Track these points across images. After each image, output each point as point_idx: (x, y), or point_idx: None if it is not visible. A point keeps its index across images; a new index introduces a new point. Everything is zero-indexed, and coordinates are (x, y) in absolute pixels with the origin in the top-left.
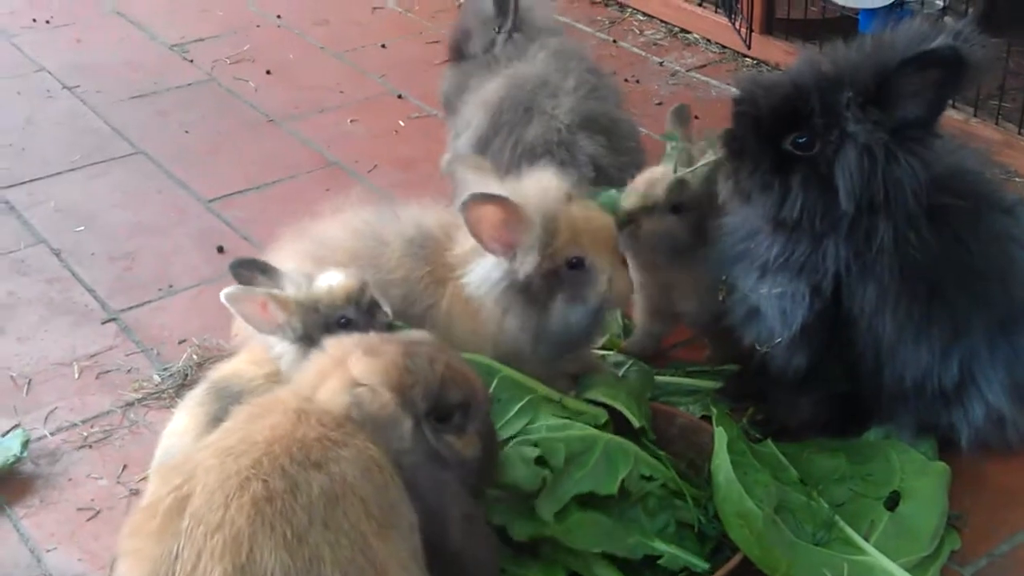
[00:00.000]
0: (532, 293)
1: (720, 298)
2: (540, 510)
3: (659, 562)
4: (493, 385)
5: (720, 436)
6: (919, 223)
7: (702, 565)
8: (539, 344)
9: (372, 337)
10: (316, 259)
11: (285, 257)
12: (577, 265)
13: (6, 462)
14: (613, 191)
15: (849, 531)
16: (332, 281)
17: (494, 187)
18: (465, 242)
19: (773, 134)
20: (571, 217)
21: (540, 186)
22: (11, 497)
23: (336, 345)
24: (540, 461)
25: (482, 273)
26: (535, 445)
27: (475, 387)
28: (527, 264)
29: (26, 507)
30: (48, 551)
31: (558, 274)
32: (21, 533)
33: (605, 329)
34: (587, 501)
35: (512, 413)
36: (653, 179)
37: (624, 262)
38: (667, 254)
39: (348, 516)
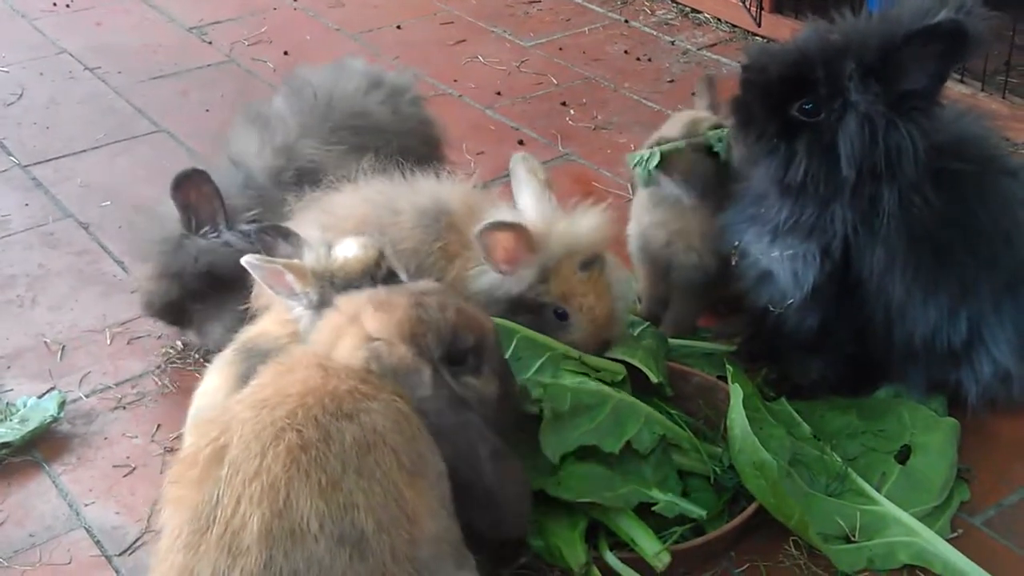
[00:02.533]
0: (520, 305)
1: (732, 262)
2: (545, 446)
3: (654, 508)
4: (512, 345)
5: (736, 392)
6: (924, 187)
7: (699, 512)
8: None
9: (381, 291)
10: (325, 227)
11: (297, 225)
12: (562, 317)
13: (43, 422)
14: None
15: (861, 482)
16: (348, 252)
17: (536, 197)
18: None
19: (780, 100)
20: (569, 276)
21: (570, 233)
22: (49, 455)
23: (348, 303)
24: (537, 402)
25: (485, 276)
26: (544, 389)
27: (485, 328)
28: (516, 288)
29: (64, 464)
30: (86, 505)
31: (543, 307)
32: (60, 488)
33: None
34: (590, 454)
35: (533, 371)
36: (697, 119)
37: (604, 335)
38: (698, 189)
39: (380, 464)
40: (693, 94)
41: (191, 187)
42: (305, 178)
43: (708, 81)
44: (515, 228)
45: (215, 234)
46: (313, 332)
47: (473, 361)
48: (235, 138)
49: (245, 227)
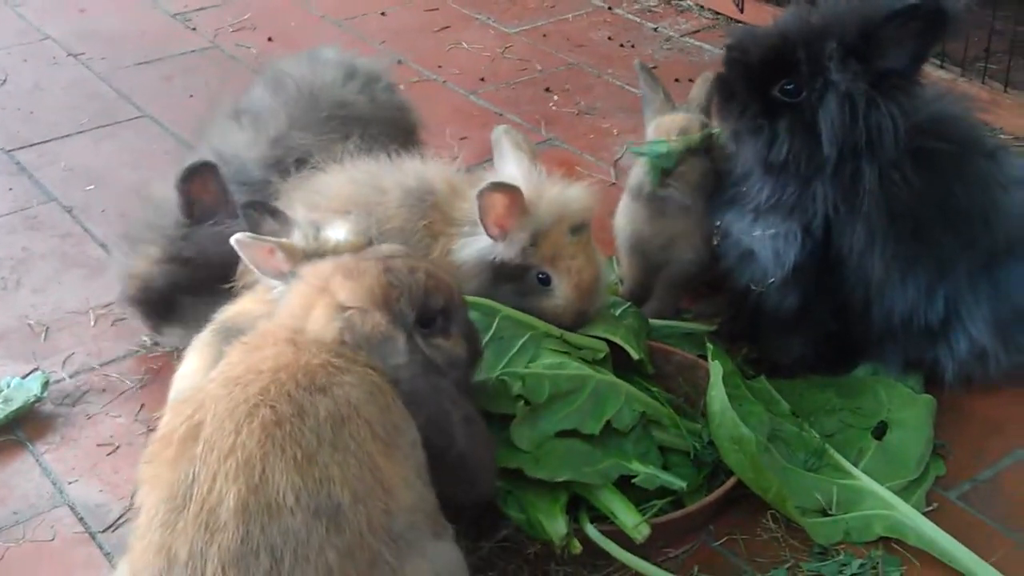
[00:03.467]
0: (502, 272)
1: (715, 243)
2: (515, 438)
3: (634, 481)
4: (494, 324)
5: (716, 369)
6: (904, 166)
7: (679, 483)
8: None
9: (347, 259)
10: (311, 206)
11: (284, 204)
12: (544, 281)
13: (26, 402)
14: (648, 146)
15: (839, 458)
16: (339, 236)
17: (524, 167)
18: (466, 204)
19: (762, 80)
20: (558, 240)
21: (559, 199)
22: (33, 435)
23: (313, 273)
24: (519, 398)
25: (474, 244)
26: (522, 380)
27: (452, 288)
28: (507, 252)
29: (47, 443)
30: (70, 483)
31: (528, 272)
32: (43, 467)
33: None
34: (570, 432)
35: (515, 350)
36: (685, 125)
37: (583, 303)
38: (703, 194)
39: (354, 437)
40: (676, 80)
41: (198, 180)
42: (303, 167)
43: (707, 80)
44: (512, 190)
45: (221, 224)
46: (280, 304)
47: (442, 322)
48: (219, 133)
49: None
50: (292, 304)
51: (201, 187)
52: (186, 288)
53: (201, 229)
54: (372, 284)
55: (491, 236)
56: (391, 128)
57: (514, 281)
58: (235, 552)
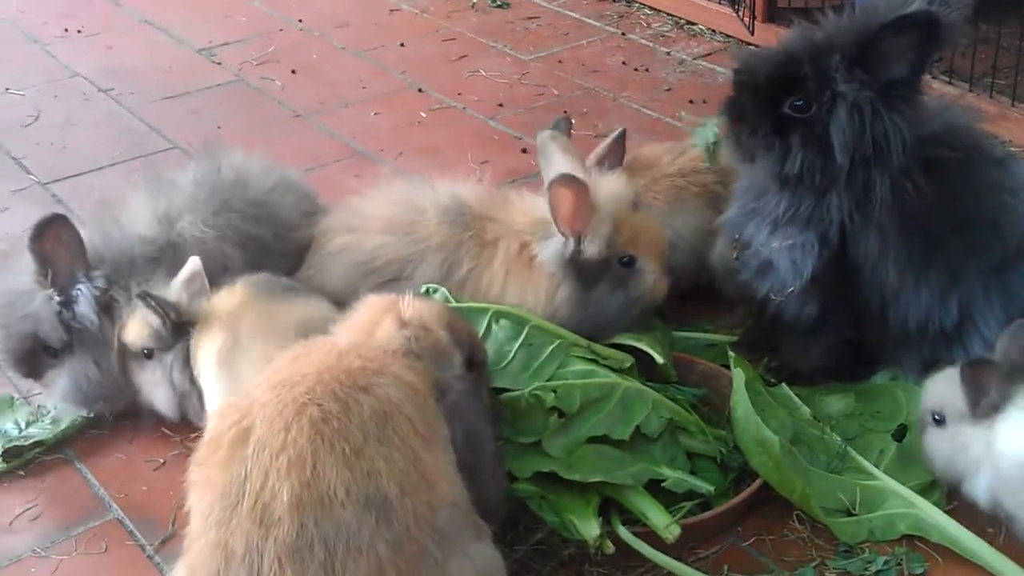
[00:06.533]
0: (585, 272)
1: (734, 256)
2: (548, 448)
3: (663, 484)
4: (524, 333)
5: (738, 376)
6: (915, 174)
7: (707, 487)
8: (579, 318)
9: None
10: (350, 228)
11: (325, 230)
12: (628, 263)
13: (73, 421)
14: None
15: (861, 460)
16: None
17: (575, 168)
18: (521, 212)
19: (771, 99)
20: (632, 221)
21: (613, 186)
22: (80, 452)
23: (373, 301)
24: (553, 410)
25: (552, 247)
26: (554, 393)
27: (486, 354)
28: (591, 250)
29: (95, 460)
30: (119, 497)
31: (610, 264)
32: (91, 484)
33: (637, 322)
34: (600, 438)
35: (543, 357)
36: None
37: (665, 270)
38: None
39: (398, 432)
40: (691, 101)
41: (51, 236)
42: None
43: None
44: (580, 185)
45: (70, 289)
46: (344, 322)
47: (476, 375)
48: (127, 196)
49: (100, 283)
50: (356, 320)
51: (55, 241)
52: (45, 351)
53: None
54: (440, 310)
55: (564, 234)
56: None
57: (599, 281)
58: (291, 545)
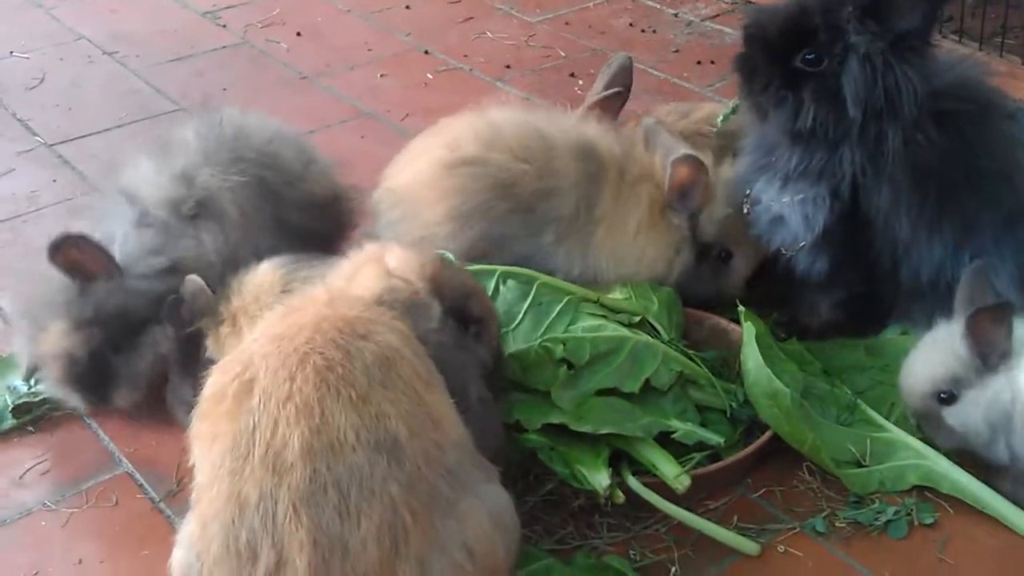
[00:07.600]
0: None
1: (744, 211)
2: (557, 399)
3: (673, 436)
4: (532, 292)
5: (748, 329)
6: (927, 127)
7: (716, 439)
8: (685, 285)
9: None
10: (485, 142)
11: (460, 129)
12: (726, 258)
13: None
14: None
15: (871, 412)
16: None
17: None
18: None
19: (783, 53)
20: (738, 220)
21: (723, 176)
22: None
23: (375, 246)
24: (562, 362)
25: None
26: (563, 345)
27: (492, 313)
28: (708, 229)
29: (104, 415)
30: (130, 451)
31: (708, 252)
32: (101, 437)
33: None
34: (610, 390)
35: (553, 315)
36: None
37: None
38: None
39: (401, 376)
40: (698, 63)
41: (71, 250)
42: (204, 211)
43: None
44: (701, 163)
45: (110, 279)
46: (334, 274)
47: (474, 331)
48: (128, 167)
49: (146, 270)
50: (344, 268)
51: (76, 253)
52: (106, 349)
53: (96, 286)
54: (424, 261)
55: (676, 207)
56: (314, 210)
57: (701, 262)
58: (304, 490)
